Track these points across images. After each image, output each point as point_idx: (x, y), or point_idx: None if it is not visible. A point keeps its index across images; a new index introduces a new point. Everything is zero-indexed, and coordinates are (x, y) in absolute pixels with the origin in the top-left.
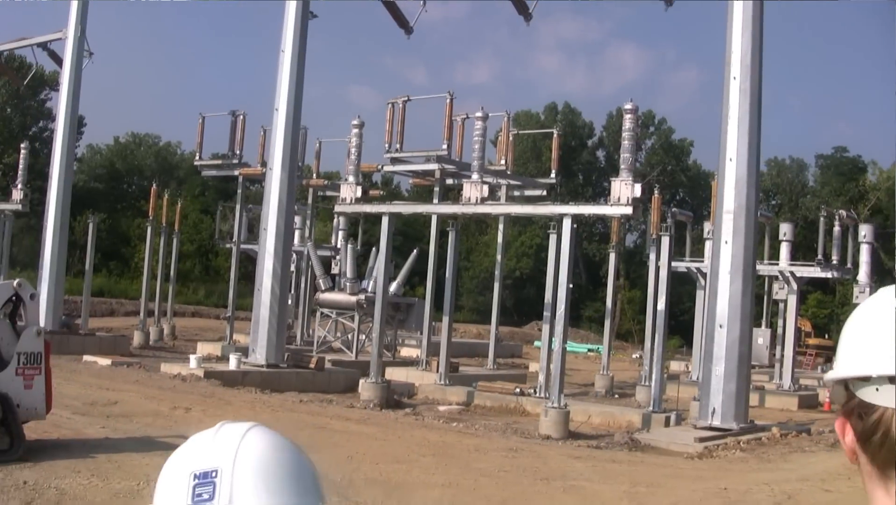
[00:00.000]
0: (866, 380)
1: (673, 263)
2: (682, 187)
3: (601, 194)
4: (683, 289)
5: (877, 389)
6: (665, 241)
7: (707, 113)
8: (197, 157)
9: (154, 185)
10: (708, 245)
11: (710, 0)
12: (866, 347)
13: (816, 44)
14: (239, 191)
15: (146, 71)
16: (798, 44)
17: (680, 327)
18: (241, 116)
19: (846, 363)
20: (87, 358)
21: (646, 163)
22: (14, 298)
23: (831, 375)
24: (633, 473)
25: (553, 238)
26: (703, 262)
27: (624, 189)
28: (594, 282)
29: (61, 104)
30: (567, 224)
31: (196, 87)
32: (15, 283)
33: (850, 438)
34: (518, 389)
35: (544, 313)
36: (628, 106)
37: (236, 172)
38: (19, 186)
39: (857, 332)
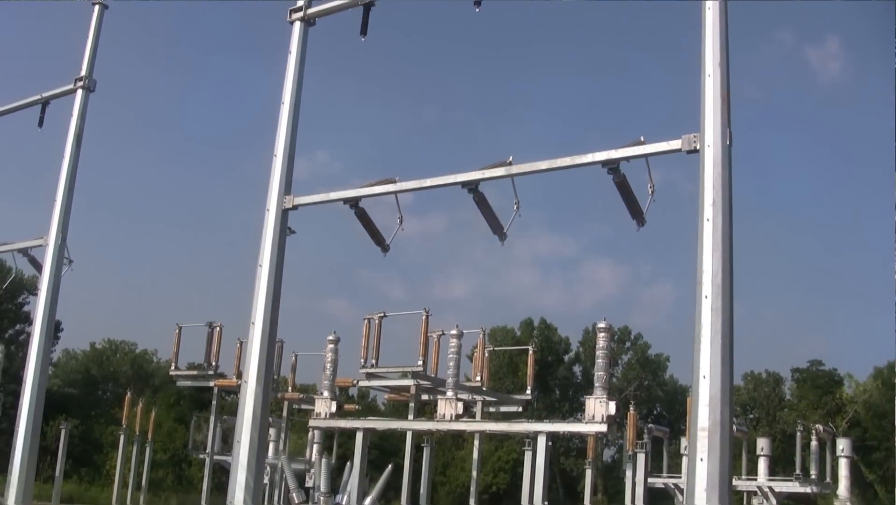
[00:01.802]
0: None
1: (650, 479)
2: (658, 402)
3: (578, 409)
4: (662, 504)
5: None
6: (641, 457)
7: (682, 327)
8: (173, 367)
9: (129, 392)
10: (685, 461)
11: (680, 219)
12: None
13: (791, 258)
14: (214, 402)
15: (124, 279)
16: (772, 260)
17: None
18: (218, 328)
19: None
20: None
21: (622, 378)
22: None
23: None
24: None
25: (528, 454)
26: (680, 477)
27: (598, 407)
28: (572, 497)
29: (39, 309)
30: (542, 441)
31: (173, 296)
32: None
33: None
34: None
35: None
36: (602, 325)
37: (211, 383)
38: None
39: None
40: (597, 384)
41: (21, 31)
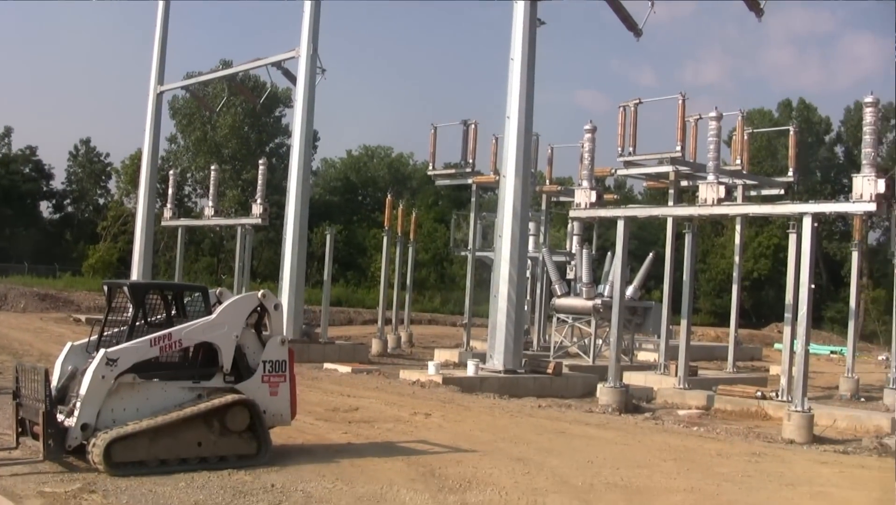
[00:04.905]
0: None
1: None
2: None
3: (840, 191)
4: None
5: None
6: None
7: None
8: (430, 167)
9: (389, 195)
10: None
11: None
12: None
13: None
14: (473, 199)
15: (375, 84)
16: None
17: None
18: (473, 125)
19: None
20: (327, 366)
21: (888, 157)
22: (259, 308)
23: None
24: (884, 479)
25: (792, 238)
26: None
27: (866, 185)
28: (835, 282)
29: (296, 121)
30: (807, 223)
31: (424, 98)
32: (260, 294)
33: None
34: (759, 393)
35: (785, 315)
36: (868, 99)
37: (469, 181)
38: (259, 201)
39: None
40: (864, 162)
41: None
